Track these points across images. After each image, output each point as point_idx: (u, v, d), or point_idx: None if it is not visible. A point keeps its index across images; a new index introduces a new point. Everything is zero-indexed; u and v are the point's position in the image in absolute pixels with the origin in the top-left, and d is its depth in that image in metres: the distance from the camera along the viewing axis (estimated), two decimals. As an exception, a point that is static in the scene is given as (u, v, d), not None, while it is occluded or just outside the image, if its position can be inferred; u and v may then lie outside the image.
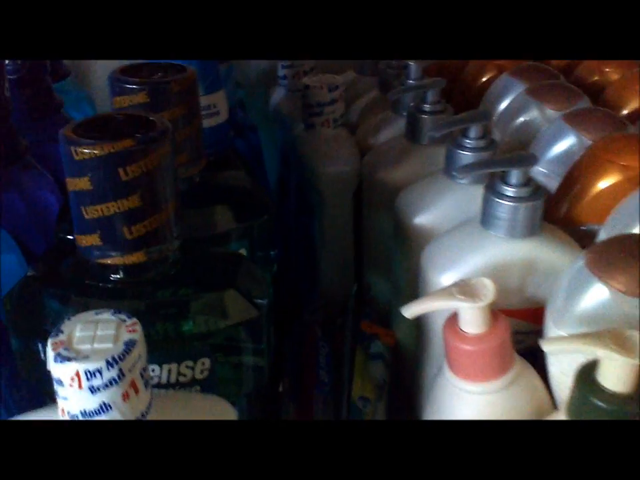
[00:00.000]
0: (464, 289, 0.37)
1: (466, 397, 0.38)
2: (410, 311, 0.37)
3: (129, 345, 0.26)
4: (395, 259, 0.54)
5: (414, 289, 0.47)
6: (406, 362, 0.54)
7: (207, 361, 0.34)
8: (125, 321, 0.27)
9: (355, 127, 0.65)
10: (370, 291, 0.62)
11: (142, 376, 0.27)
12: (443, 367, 0.39)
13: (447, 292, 0.37)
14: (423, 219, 0.50)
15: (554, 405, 0.39)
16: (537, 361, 0.40)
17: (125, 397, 0.26)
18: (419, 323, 0.48)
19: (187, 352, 0.34)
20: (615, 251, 0.36)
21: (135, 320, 0.27)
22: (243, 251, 0.43)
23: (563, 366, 0.38)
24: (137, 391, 0.27)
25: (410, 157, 0.57)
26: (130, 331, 0.27)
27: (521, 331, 0.43)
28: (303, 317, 0.60)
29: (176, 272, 0.35)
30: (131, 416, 0.27)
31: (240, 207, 0.43)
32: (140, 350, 0.27)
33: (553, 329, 0.37)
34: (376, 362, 0.52)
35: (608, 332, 0.32)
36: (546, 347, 0.32)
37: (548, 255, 0.42)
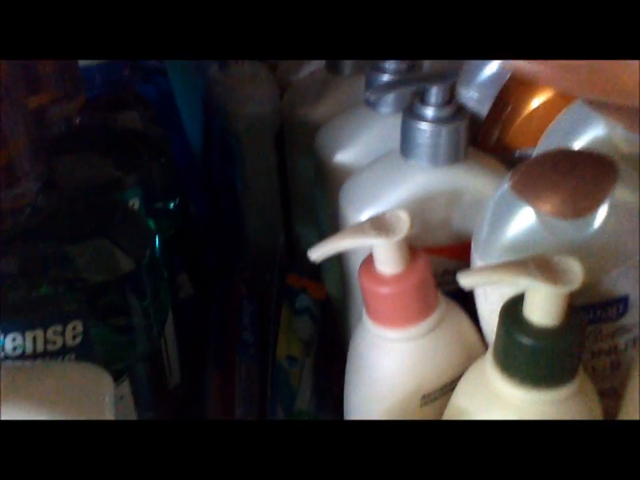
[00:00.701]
0: (377, 223, 0.32)
1: (386, 345, 0.34)
2: (317, 252, 0.33)
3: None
4: (318, 204, 0.49)
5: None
6: (337, 315, 0.50)
7: (78, 325, 0.29)
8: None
9: (275, 64, 0.60)
10: (299, 242, 0.58)
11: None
12: (362, 314, 0.35)
13: (358, 228, 0.32)
14: (343, 156, 0.45)
15: (486, 350, 0.36)
16: (469, 303, 0.36)
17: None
18: (343, 270, 0.43)
19: (53, 315, 0.29)
20: (541, 170, 0.32)
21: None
22: (135, 201, 0.38)
23: (492, 304, 0.34)
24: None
25: (331, 91, 0.52)
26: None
27: (450, 269, 0.39)
28: (227, 276, 0.55)
29: (38, 223, 0.30)
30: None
31: (130, 152, 0.38)
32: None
33: (478, 262, 0.33)
34: (302, 317, 0.48)
35: (532, 259, 0.28)
36: (463, 279, 0.28)
37: (474, 184, 0.37)
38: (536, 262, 0.28)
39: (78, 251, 0.29)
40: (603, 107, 0.31)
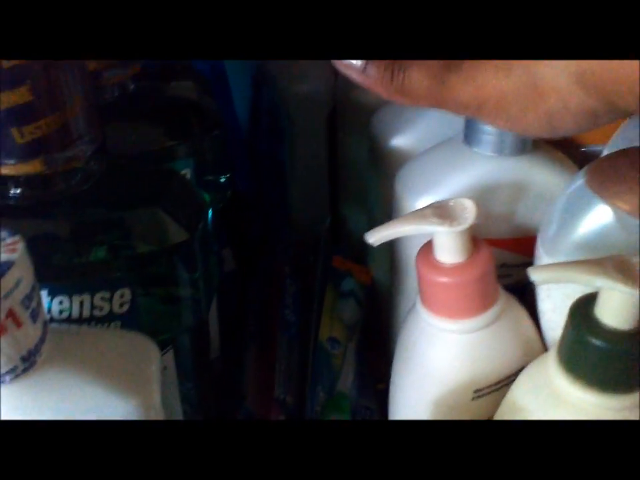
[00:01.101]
0: (440, 211, 0.31)
1: (440, 335, 0.32)
2: (375, 236, 0.32)
3: (4, 267, 0.21)
4: (371, 187, 0.48)
5: (389, 219, 0.41)
6: (382, 301, 0.49)
7: (126, 292, 0.28)
8: (4, 239, 0.22)
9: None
10: (345, 224, 0.57)
11: (26, 306, 0.21)
12: (415, 302, 0.34)
13: (420, 214, 0.31)
14: (400, 140, 0.44)
15: (544, 348, 0.34)
16: (527, 297, 0.35)
17: (1, 330, 0.21)
18: (394, 256, 0.42)
19: (101, 281, 0.28)
20: (619, 167, 0.30)
21: (16, 237, 0.22)
22: (186, 172, 0.37)
23: (555, 302, 0.32)
24: (18, 324, 0.21)
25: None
26: (9, 251, 0.21)
27: (509, 263, 0.37)
28: (271, 254, 0.55)
29: (89, 187, 0.29)
30: (12, 354, 0.21)
31: (183, 122, 0.37)
32: (21, 273, 0.21)
33: (545, 258, 0.32)
34: (347, 300, 0.47)
35: (610, 258, 0.27)
36: (534, 275, 0.27)
37: (540, 176, 0.36)
38: (614, 262, 0.26)
39: (130, 218, 0.29)
40: (604, 188, 0.29)
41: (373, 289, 0.50)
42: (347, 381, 0.42)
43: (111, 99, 0.37)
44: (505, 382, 0.33)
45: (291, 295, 0.49)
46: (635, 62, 0.24)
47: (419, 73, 0.28)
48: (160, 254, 0.29)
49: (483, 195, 0.36)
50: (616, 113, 0.27)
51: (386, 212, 0.43)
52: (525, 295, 0.35)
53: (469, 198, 0.33)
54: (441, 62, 0.28)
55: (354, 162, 0.53)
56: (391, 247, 0.43)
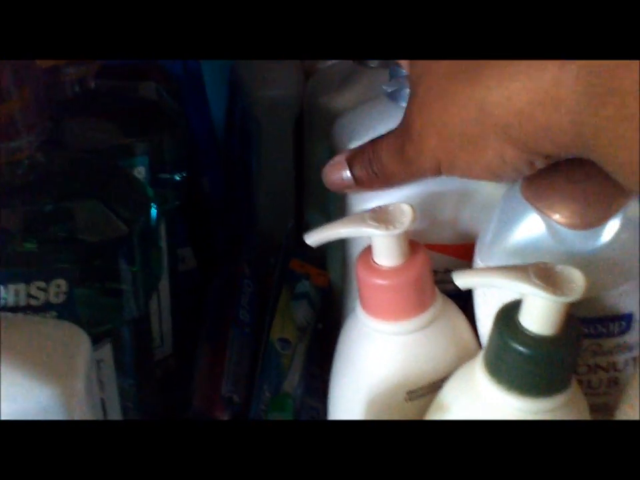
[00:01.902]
0: (379, 214, 0.32)
1: (376, 337, 0.33)
2: (313, 237, 0.32)
3: None
4: (330, 192, 0.49)
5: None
6: (338, 304, 0.49)
7: (62, 283, 0.28)
8: None
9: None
10: (308, 228, 0.57)
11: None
12: (356, 304, 0.34)
13: (359, 218, 0.32)
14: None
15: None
16: (470, 304, 0.35)
17: None
18: (345, 259, 0.43)
19: (37, 271, 0.28)
20: (554, 178, 0.31)
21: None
22: (141, 170, 0.37)
23: (490, 308, 0.33)
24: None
25: (356, 81, 0.51)
26: None
27: (453, 268, 0.38)
28: (234, 255, 0.55)
29: (34, 179, 0.29)
30: None
31: (140, 120, 0.38)
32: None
33: (480, 263, 0.33)
34: (300, 302, 0.47)
35: (534, 265, 0.27)
36: (458, 280, 0.27)
37: (486, 185, 0.36)
38: (537, 269, 0.27)
39: (69, 210, 0.29)
40: (538, 199, 0.31)
41: (329, 292, 0.51)
42: (292, 381, 0.42)
43: (70, 94, 0.37)
44: (439, 384, 0.33)
45: (247, 296, 0.49)
46: (547, 111, 0.26)
47: (387, 154, 0.34)
48: (97, 247, 0.29)
49: (429, 202, 0.37)
50: (549, 159, 0.29)
51: (341, 217, 0.44)
52: (469, 301, 0.36)
53: (414, 204, 0.33)
54: (399, 137, 0.33)
55: (319, 168, 0.54)
56: (343, 250, 0.43)
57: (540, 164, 0.29)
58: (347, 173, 0.36)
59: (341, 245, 0.43)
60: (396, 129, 0.34)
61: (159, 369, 0.47)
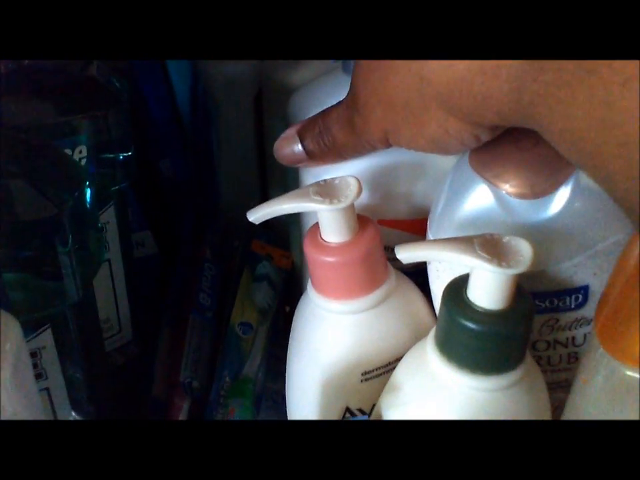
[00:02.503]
0: (324, 188, 0.30)
1: (328, 316, 0.32)
2: (255, 214, 0.31)
3: None
4: (289, 170, 0.47)
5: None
6: (301, 285, 0.48)
7: (-11, 268, 0.27)
8: None
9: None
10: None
11: None
12: (307, 284, 0.33)
13: (303, 192, 0.31)
14: (314, 122, 0.43)
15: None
16: (426, 280, 0.34)
17: None
18: (301, 238, 0.42)
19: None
20: (502, 146, 0.30)
21: None
22: (82, 149, 0.36)
23: (443, 283, 0.32)
24: None
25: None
26: None
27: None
28: (195, 238, 0.54)
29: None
30: None
31: (80, 98, 0.36)
32: None
33: (430, 237, 0.31)
34: (260, 284, 0.46)
35: (479, 237, 0.26)
36: (400, 253, 0.26)
37: (439, 157, 0.35)
38: (482, 240, 0.26)
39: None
40: (486, 168, 0.30)
41: (292, 274, 0.50)
42: (253, 366, 0.42)
43: (4, 70, 0.36)
44: (395, 364, 0.32)
45: (209, 279, 0.48)
46: (488, 79, 0.25)
47: (336, 126, 0.33)
48: (27, 228, 0.28)
49: (382, 176, 0.35)
50: (493, 131, 0.28)
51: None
52: (426, 279, 0.35)
53: (367, 178, 0.32)
54: (348, 108, 0.32)
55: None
56: (301, 230, 0.42)
57: (485, 136, 0.28)
58: (299, 146, 0.35)
59: (301, 224, 0.42)
60: (344, 99, 0.33)
61: (119, 356, 0.46)
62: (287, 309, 0.50)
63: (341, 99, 0.43)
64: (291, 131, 0.35)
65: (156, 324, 0.48)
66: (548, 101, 0.23)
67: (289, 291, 0.49)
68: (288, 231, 0.52)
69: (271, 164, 0.56)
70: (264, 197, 0.58)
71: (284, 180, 0.53)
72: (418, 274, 0.35)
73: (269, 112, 0.53)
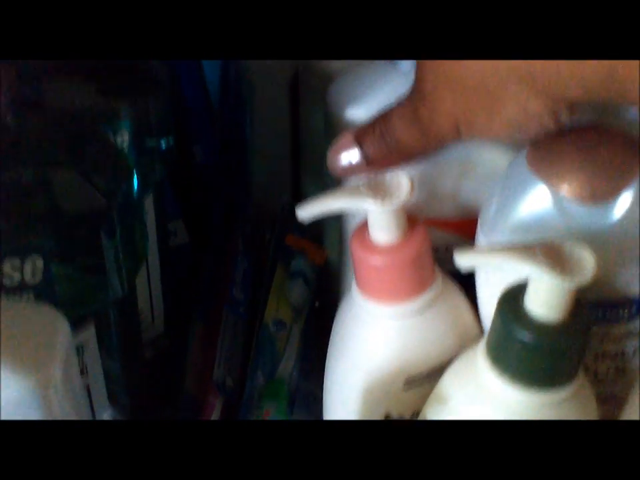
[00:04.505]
0: (375, 186, 0.29)
1: (372, 321, 0.31)
2: (306, 211, 0.30)
3: None
4: (323, 162, 0.46)
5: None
6: (335, 282, 0.47)
7: (38, 260, 0.26)
8: None
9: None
10: (306, 200, 0.55)
11: None
12: (352, 285, 0.32)
13: (354, 190, 0.29)
14: (356, 111, 0.41)
15: (483, 336, 0.33)
16: (472, 283, 0.33)
17: None
18: (342, 235, 0.40)
19: (11, 248, 0.26)
20: (563, 147, 0.28)
21: None
22: (124, 134, 0.35)
23: (493, 289, 0.30)
24: None
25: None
26: None
27: (455, 246, 0.35)
28: (227, 229, 0.53)
29: (2, 144, 0.27)
30: None
31: (124, 82, 0.35)
32: None
33: (483, 240, 0.30)
34: (295, 281, 0.45)
35: (540, 244, 0.25)
36: (460, 260, 0.25)
37: (489, 155, 0.34)
38: (544, 248, 0.24)
39: (43, 180, 0.27)
40: (545, 169, 0.28)
41: (326, 270, 0.48)
42: (287, 366, 0.40)
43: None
44: (439, 371, 0.31)
45: (241, 272, 0.47)
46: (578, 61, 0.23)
47: (400, 123, 0.30)
48: (75, 220, 0.27)
49: (429, 174, 0.34)
50: (573, 110, 0.26)
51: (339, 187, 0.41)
52: (471, 281, 0.33)
53: (413, 176, 0.31)
54: (411, 102, 0.30)
55: (316, 135, 0.51)
56: (340, 225, 0.41)
57: (564, 116, 0.26)
58: (356, 154, 0.32)
59: (338, 219, 0.41)
60: (407, 94, 0.31)
61: (150, 349, 0.45)
62: (316, 304, 0.49)
63: (387, 90, 0.42)
64: (347, 138, 0.33)
65: (187, 317, 0.47)
66: None
67: (322, 287, 0.48)
68: (322, 224, 0.51)
69: (304, 153, 0.55)
70: (296, 188, 0.56)
71: (318, 170, 0.52)
72: (461, 275, 0.33)
73: (305, 98, 0.52)
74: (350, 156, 0.32)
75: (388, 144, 0.31)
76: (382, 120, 0.31)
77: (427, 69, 0.28)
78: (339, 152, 0.33)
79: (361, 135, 0.32)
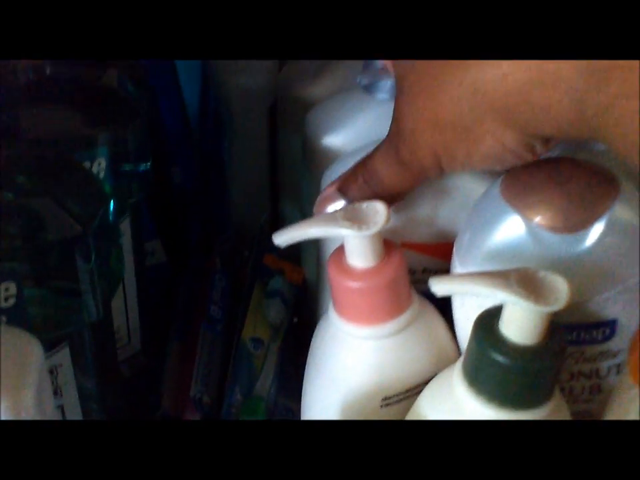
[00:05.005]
0: (351, 213, 0.30)
1: (350, 341, 0.31)
2: (282, 237, 0.31)
3: None
4: (303, 185, 0.47)
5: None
6: (312, 301, 0.48)
7: (11, 286, 0.27)
8: None
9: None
10: (284, 221, 0.55)
11: None
12: (329, 307, 0.33)
13: (331, 217, 0.30)
14: (332, 139, 0.43)
15: (459, 357, 0.34)
16: (449, 305, 0.34)
17: None
18: (319, 257, 0.41)
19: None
20: (536, 177, 0.29)
21: None
22: (102, 161, 0.35)
23: (468, 311, 0.32)
24: None
25: (331, 70, 0.49)
26: None
27: (431, 268, 0.37)
28: (205, 248, 0.53)
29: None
30: None
31: (99, 109, 0.36)
32: None
33: (458, 266, 0.31)
34: (273, 300, 0.46)
35: (515, 271, 0.26)
36: (435, 286, 0.26)
37: (465, 182, 0.35)
38: (518, 275, 0.25)
39: (17, 208, 0.27)
40: (519, 199, 0.29)
41: (303, 290, 0.49)
42: (265, 384, 0.41)
43: (25, 81, 0.35)
44: (415, 390, 0.32)
45: (219, 291, 0.48)
46: (547, 90, 0.24)
47: (382, 165, 0.31)
48: (49, 247, 0.27)
49: (406, 199, 0.35)
50: (551, 142, 0.27)
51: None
52: (448, 302, 0.34)
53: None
54: (392, 142, 0.31)
55: (293, 159, 0.52)
56: (318, 247, 0.42)
57: (540, 149, 0.27)
58: (342, 204, 0.33)
59: (315, 241, 0.41)
60: (386, 136, 0.32)
61: (127, 368, 0.45)
62: (295, 319, 0.49)
63: (363, 119, 0.43)
64: (330, 190, 0.33)
65: (164, 335, 0.47)
66: (615, 113, 0.23)
67: (299, 305, 0.49)
68: (299, 244, 0.51)
69: (282, 176, 0.56)
70: (274, 209, 0.57)
71: (295, 193, 0.53)
72: (437, 297, 0.34)
73: (284, 124, 0.53)
74: (336, 207, 0.32)
75: (372, 188, 0.32)
76: (363, 166, 0.32)
77: (405, 106, 0.29)
78: (324, 205, 0.33)
79: (344, 184, 0.33)
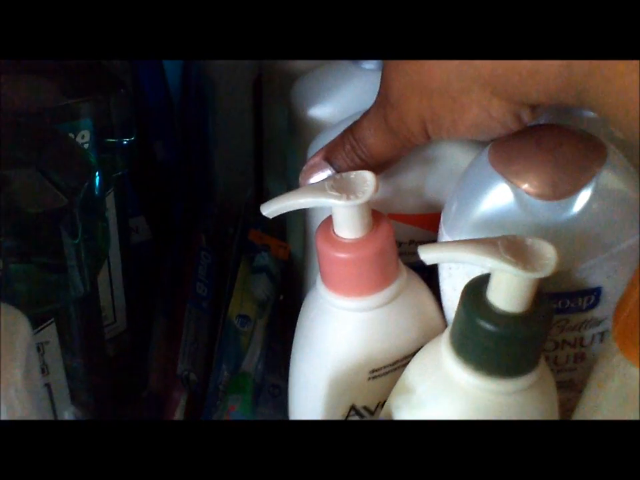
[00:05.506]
0: (339, 183, 0.30)
1: (337, 313, 0.31)
2: (270, 208, 0.30)
3: None
4: (289, 158, 0.47)
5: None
6: (298, 277, 0.47)
7: (-3, 260, 0.26)
8: None
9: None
10: (268, 196, 0.55)
11: None
12: (317, 279, 0.33)
13: (318, 187, 0.30)
14: (319, 110, 0.42)
15: (446, 328, 0.34)
16: (435, 276, 0.34)
17: None
18: (306, 230, 0.41)
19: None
20: (524, 145, 0.29)
21: None
22: (84, 134, 0.35)
23: (455, 281, 0.32)
24: None
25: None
26: None
27: (418, 239, 0.36)
28: (190, 225, 0.53)
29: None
30: None
31: (84, 80, 0.35)
32: None
33: (445, 235, 0.31)
34: (259, 276, 0.45)
35: (503, 239, 0.26)
36: (423, 254, 0.26)
37: (452, 152, 0.35)
38: (506, 243, 0.25)
39: (3, 179, 0.27)
40: (506, 166, 0.29)
41: (289, 265, 0.49)
42: (252, 360, 0.41)
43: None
44: (403, 362, 0.32)
45: (205, 268, 0.47)
46: (537, 61, 0.24)
47: (369, 132, 0.31)
48: (34, 219, 0.27)
49: (392, 169, 0.35)
50: (537, 111, 0.27)
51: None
52: (434, 274, 0.34)
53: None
54: (379, 109, 0.30)
55: (278, 132, 0.52)
56: (304, 221, 0.41)
57: (527, 116, 0.27)
58: (329, 173, 0.32)
59: (301, 215, 0.41)
60: (374, 103, 0.31)
61: (112, 346, 0.45)
62: (281, 297, 0.49)
63: (349, 89, 0.42)
64: (316, 159, 0.33)
65: (150, 313, 0.47)
66: (603, 76, 0.22)
67: (286, 282, 0.48)
68: (285, 219, 0.51)
69: (267, 150, 0.55)
70: (259, 184, 0.57)
71: (281, 168, 0.52)
72: (423, 268, 0.34)
73: (269, 97, 0.52)
74: (322, 176, 0.32)
75: (359, 156, 0.31)
76: (350, 133, 0.32)
77: (393, 72, 0.29)
78: (310, 174, 0.33)
79: (331, 153, 0.32)
